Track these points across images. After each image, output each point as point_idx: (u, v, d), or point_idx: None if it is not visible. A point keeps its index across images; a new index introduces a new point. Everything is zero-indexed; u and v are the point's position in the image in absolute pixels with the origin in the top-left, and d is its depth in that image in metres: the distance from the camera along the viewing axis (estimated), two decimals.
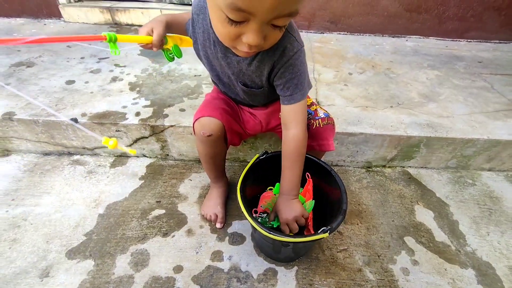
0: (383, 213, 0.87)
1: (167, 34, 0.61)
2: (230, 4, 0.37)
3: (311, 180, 0.70)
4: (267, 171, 0.71)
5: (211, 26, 0.54)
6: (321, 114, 0.71)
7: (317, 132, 0.70)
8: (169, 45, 0.64)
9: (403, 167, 1.04)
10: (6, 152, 1.01)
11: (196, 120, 0.67)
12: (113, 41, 0.55)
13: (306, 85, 0.59)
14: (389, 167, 1.03)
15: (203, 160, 0.76)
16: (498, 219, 0.87)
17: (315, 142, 0.71)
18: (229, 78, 0.64)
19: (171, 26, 0.62)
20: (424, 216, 0.87)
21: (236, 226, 0.80)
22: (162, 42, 0.61)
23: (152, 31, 0.59)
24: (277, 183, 0.73)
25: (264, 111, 0.74)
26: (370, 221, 0.84)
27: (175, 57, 0.66)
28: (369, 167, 1.03)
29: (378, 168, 1.03)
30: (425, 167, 1.03)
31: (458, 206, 0.90)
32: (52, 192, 0.88)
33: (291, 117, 0.59)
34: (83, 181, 0.92)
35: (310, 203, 0.69)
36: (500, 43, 1.81)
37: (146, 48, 0.61)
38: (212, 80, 0.73)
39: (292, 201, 0.62)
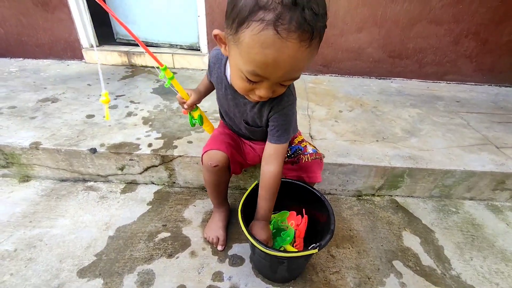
0: (372, 238, 0.93)
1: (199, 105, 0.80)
2: (252, 71, 0.49)
3: (306, 217, 0.79)
4: None
5: (224, 74, 0.69)
6: (309, 150, 0.83)
7: (306, 166, 0.81)
8: (196, 113, 0.81)
9: (391, 195, 1.12)
10: (26, 178, 1.10)
11: (204, 152, 0.77)
12: (166, 70, 0.70)
13: (291, 132, 0.71)
14: (378, 195, 1.12)
15: (208, 187, 0.85)
16: (481, 245, 0.93)
17: (304, 174, 0.81)
18: (235, 115, 0.76)
19: (205, 92, 0.82)
20: (411, 241, 0.93)
21: (236, 249, 0.86)
22: (192, 107, 0.78)
23: (190, 95, 0.76)
24: (280, 212, 0.82)
25: (262, 146, 0.83)
26: (360, 246, 0.90)
27: (197, 123, 0.83)
28: (359, 196, 1.11)
29: (367, 197, 1.11)
30: (411, 196, 1.12)
31: (443, 233, 0.97)
32: (66, 215, 0.95)
33: (273, 155, 0.70)
34: (96, 205, 1.00)
35: (290, 231, 0.78)
36: (476, 85, 2.01)
37: (181, 102, 0.78)
38: (220, 115, 0.86)
39: (266, 226, 0.73)
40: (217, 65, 0.71)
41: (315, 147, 0.85)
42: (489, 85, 2.02)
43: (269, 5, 0.42)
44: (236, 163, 0.81)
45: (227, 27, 0.50)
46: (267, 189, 0.71)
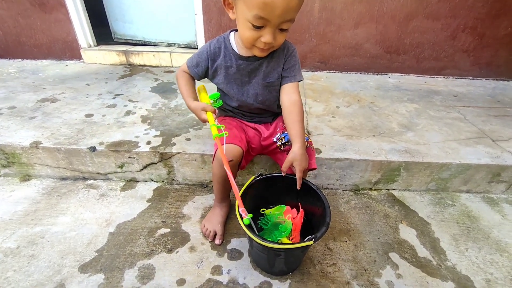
0: (369, 231, 0.94)
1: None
2: (255, 15, 0.62)
3: (302, 211, 0.80)
4: (260, 191, 0.81)
5: (232, 49, 0.80)
6: None
7: None
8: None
9: (388, 189, 1.13)
10: (27, 177, 1.12)
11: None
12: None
13: (301, 73, 0.84)
14: (375, 189, 1.13)
15: (217, 182, 0.86)
16: (476, 236, 0.94)
17: None
18: (248, 92, 0.84)
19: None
20: (408, 234, 0.94)
21: (234, 243, 0.88)
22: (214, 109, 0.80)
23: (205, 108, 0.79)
24: (277, 206, 0.84)
25: (267, 126, 0.92)
26: (357, 239, 0.91)
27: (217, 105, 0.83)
28: (356, 190, 1.13)
29: (365, 191, 1.13)
30: (408, 190, 1.13)
31: (439, 225, 0.98)
32: (67, 213, 0.97)
33: (293, 90, 0.81)
34: (96, 203, 1.01)
35: (287, 224, 0.79)
36: (473, 79, 2.01)
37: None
38: (225, 105, 0.91)
39: (305, 151, 0.77)
40: (221, 48, 0.81)
41: (307, 135, 0.87)
42: (486, 79, 2.03)
43: None
44: (247, 157, 0.84)
45: None
46: (298, 113, 0.78)
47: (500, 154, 1.10)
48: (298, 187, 0.76)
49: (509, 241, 0.93)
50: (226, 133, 0.73)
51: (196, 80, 0.90)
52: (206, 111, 0.77)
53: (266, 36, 0.66)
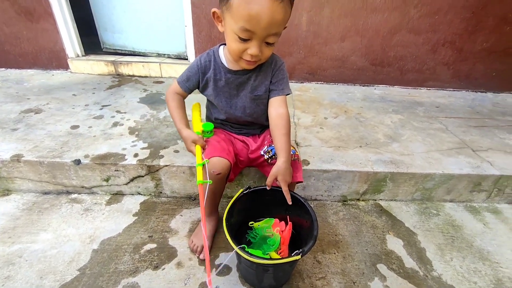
0: (357, 243, 0.95)
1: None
2: (241, 27, 0.64)
3: (291, 224, 0.80)
4: (249, 204, 0.81)
5: (221, 63, 0.82)
6: None
7: None
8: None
9: (375, 200, 1.15)
10: (6, 192, 1.07)
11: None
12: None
13: (289, 86, 0.86)
14: (362, 200, 1.15)
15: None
16: (460, 246, 0.96)
17: None
18: (236, 104, 0.85)
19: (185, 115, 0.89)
20: (395, 244, 0.96)
21: (222, 258, 0.86)
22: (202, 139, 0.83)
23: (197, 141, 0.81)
24: (265, 219, 0.83)
25: (254, 139, 0.93)
26: (346, 250, 0.92)
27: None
28: (344, 201, 1.14)
29: (353, 202, 1.14)
30: (394, 200, 1.15)
31: (425, 235, 1.00)
32: (48, 229, 0.93)
33: (281, 103, 0.83)
34: (80, 218, 0.98)
35: (275, 237, 0.78)
36: (454, 90, 2.10)
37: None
38: (213, 117, 0.93)
39: (289, 165, 0.78)
40: (211, 62, 0.83)
41: (294, 148, 0.88)
42: (466, 90, 2.12)
43: None
44: (235, 169, 0.85)
45: (221, 3, 0.67)
46: (284, 126, 0.79)
47: (480, 164, 1.15)
48: (289, 202, 0.76)
49: (491, 249, 0.96)
50: (210, 182, 0.73)
51: (187, 95, 0.91)
52: (195, 144, 0.80)
53: (252, 49, 0.68)
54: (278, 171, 0.75)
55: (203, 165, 0.74)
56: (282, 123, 0.80)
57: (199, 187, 0.71)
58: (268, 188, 0.78)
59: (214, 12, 0.70)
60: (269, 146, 0.87)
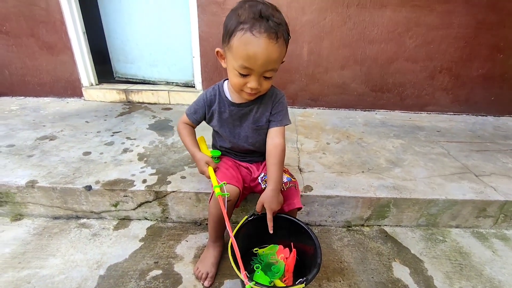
0: (363, 270, 0.94)
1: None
2: (241, 64, 0.70)
3: (295, 251, 0.81)
4: (253, 230, 0.83)
5: (225, 96, 0.88)
6: (284, 179, 0.89)
7: (283, 195, 0.85)
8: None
9: (380, 225, 1.15)
10: (19, 217, 1.11)
11: None
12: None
13: (288, 118, 0.90)
14: (367, 226, 1.15)
15: (213, 221, 0.88)
16: (469, 274, 0.94)
17: (284, 203, 0.85)
18: (239, 134, 0.91)
19: (196, 141, 0.98)
20: (401, 272, 0.94)
21: (228, 285, 0.86)
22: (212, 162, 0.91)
23: (208, 163, 0.90)
24: (269, 246, 0.84)
25: (258, 166, 0.98)
26: (351, 278, 0.91)
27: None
28: (349, 227, 1.14)
29: (357, 227, 1.14)
30: (399, 225, 1.15)
31: (431, 262, 0.99)
32: (57, 254, 0.95)
33: (278, 134, 0.87)
34: (88, 243, 1.00)
35: (280, 265, 0.79)
36: (454, 114, 2.15)
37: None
38: (219, 145, 0.98)
39: (279, 194, 0.81)
40: (216, 96, 0.89)
41: (290, 176, 0.91)
42: (466, 114, 2.16)
43: (246, 20, 0.67)
44: (241, 196, 0.88)
45: (223, 44, 0.75)
46: (276, 156, 0.83)
47: (483, 189, 1.15)
48: (270, 230, 0.78)
49: (502, 279, 0.93)
50: (227, 194, 0.78)
51: (196, 126, 0.99)
52: (208, 166, 0.87)
53: (252, 83, 0.74)
54: (264, 199, 0.79)
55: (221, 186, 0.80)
56: (275, 153, 0.84)
57: (219, 198, 0.77)
58: (258, 214, 0.82)
59: (217, 51, 0.78)
60: (265, 174, 0.90)
